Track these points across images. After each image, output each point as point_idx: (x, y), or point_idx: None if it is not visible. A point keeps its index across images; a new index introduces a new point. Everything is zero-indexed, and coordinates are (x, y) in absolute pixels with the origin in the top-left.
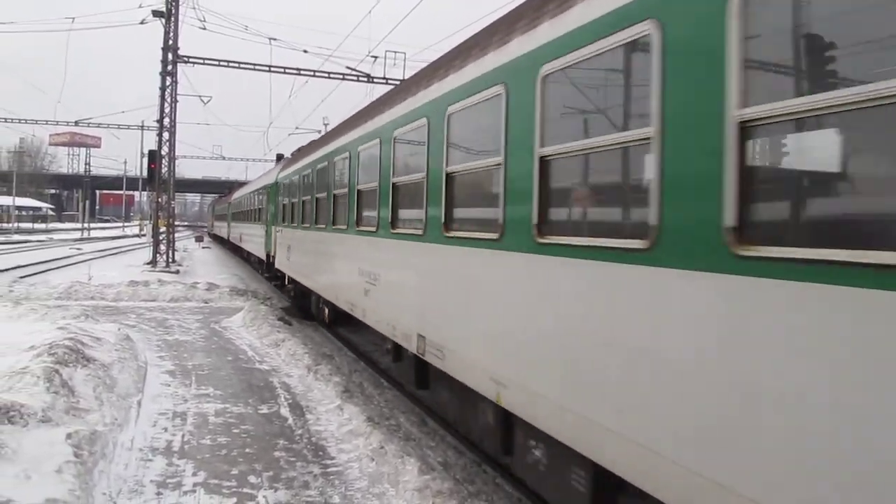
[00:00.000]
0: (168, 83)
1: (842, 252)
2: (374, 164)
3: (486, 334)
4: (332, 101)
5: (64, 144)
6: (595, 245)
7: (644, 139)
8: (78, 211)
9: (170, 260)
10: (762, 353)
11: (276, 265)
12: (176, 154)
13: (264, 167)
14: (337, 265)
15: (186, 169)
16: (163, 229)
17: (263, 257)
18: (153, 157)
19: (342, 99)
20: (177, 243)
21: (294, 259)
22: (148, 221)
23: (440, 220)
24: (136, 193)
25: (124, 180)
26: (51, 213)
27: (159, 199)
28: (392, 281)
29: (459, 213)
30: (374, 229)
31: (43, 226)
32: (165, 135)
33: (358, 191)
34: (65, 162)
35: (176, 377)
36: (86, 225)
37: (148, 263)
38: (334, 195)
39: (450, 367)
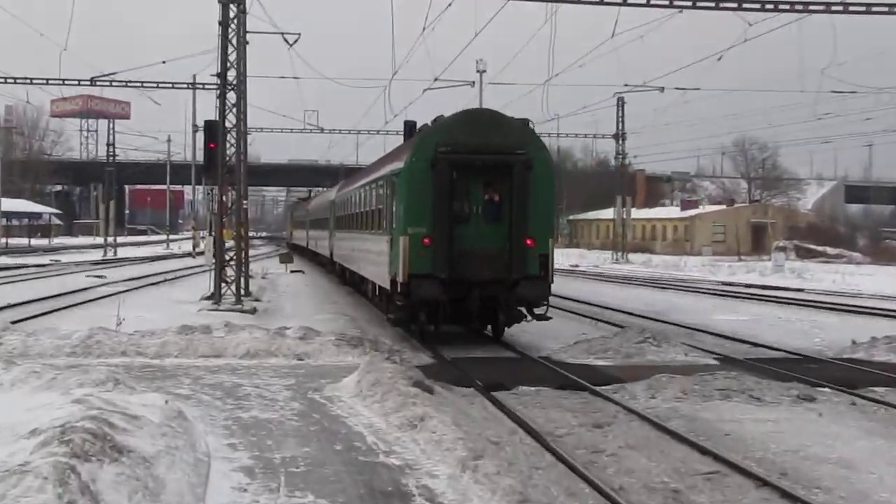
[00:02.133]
0: (233, 14)
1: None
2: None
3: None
4: (494, 31)
5: (73, 115)
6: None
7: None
8: (98, 217)
9: (242, 292)
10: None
11: (413, 293)
12: (248, 126)
13: (384, 144)
14: None
15: (265, 149)
16: (230, 244)
17: (386, 284)
18: (212, 131)
19: (506, 29)
20: (252, 265)
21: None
22: (206, 232)
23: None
24: (187, 189)
25: (168, 169)
26: (57, 221)
27: (223, 197)
28: None
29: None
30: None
31: (45, 241)
32: (231, 96)
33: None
34: (76, 142)
35: (256, 478)
36: (110, 239)
37: (208, 298)
38: None
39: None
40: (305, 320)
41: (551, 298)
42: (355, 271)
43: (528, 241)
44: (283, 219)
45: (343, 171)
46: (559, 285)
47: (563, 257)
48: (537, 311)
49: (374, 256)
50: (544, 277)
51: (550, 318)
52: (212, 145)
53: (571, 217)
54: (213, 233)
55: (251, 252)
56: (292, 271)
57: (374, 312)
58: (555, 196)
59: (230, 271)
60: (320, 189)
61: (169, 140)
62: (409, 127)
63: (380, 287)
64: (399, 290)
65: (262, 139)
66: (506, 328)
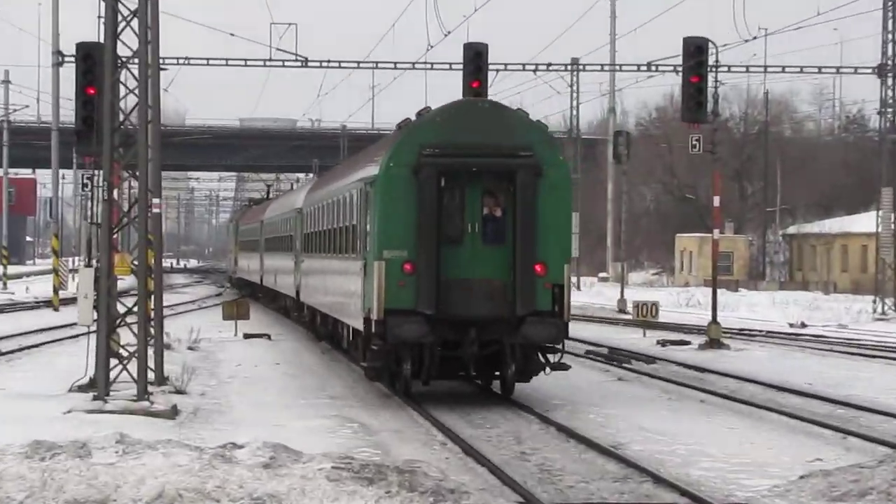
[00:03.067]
0: None
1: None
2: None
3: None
4: None
5: None
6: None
7: (353, 223)
8: None
9: (152, 378)
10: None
11: None
12: (161, 54)
13: (425, 90)
14: None
15: (197, 101)
16: (127, 282)
17: (359, 324)
18: (91, 62)
19: None
20: (171, 323)
21: None
22: (81, 261)
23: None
24: (44, 177)
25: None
26: None
27: (114, 192)
28: None
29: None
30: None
31: None
32: None
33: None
34: None
35: None
36: None
37: (84, 389)
38: None
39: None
40: (272, 429)
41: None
42: (327, 314)
43: (538, 268)
44: (226, 236)
45: (345, 142)
46: (773, 364)
47: (777, 306)
48: (551, 357)
49: (344, 288)
50: (558, 314)
51: (569, 367)
52: (91, 91)
53: (791, 230)
54: (95, 262)
55: (170, 298)
56: (248, 336)
57: (389, 406)
58: (571, 209)
59: (127, 337)
60: (298, 179)
61: (6, 82)
62: (474, 53)
63: (353, 330)
64: (374, 330)
65: (192, 81)
66: (518, 382)
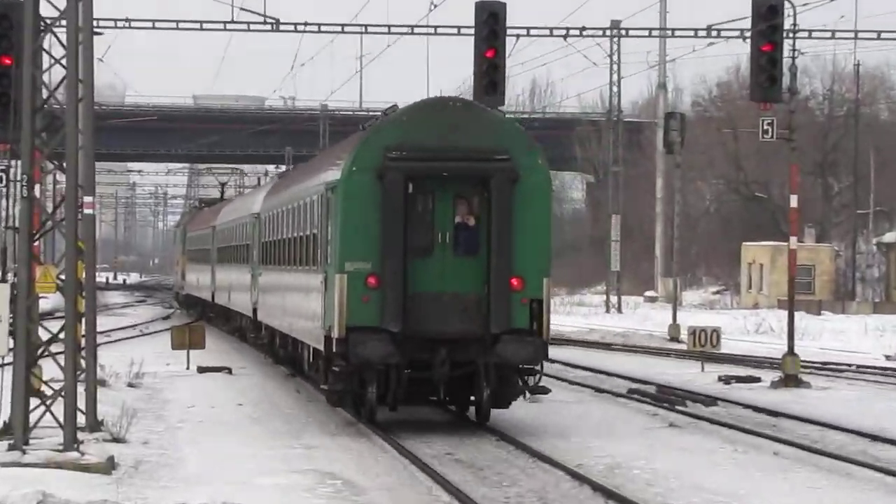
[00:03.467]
0: None
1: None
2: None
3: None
4: None
5: None
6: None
7: (313, 232)
8: None
9: (82, 422)
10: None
11: None
12: (95, 15)
13: (427, 61)
14: None
15: (142, 75)
16: (50, 301)
17: (320, 344)
18: (4, 25)
19: None
20: (106, 354)
21: None
22: None
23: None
24: None
25: None
26: None
27: (35, 188)
28: None
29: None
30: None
31: None
32: None
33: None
34: None
35: None
36: None
37: None
38: None
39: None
40: (233, 488)
41: None
42: (287, 334)
43: (514, 282)
44: (172, 245)
45: (326, 125)
46: (864, 407)
47: (871, 334)
48: (529, 379)
49: (303, 305)
50: (536, 332)
51: (549, 390)
52: (6, 61)
53: (888, 238)
54: (12, 276)
55: (105, 322)
56: (203, 369)
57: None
58: (550, 218)
59: (52, 371)
60: (267, 173)
61: None
62: (488, 15)
63: (314, 351)
64: (335, 350)
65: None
66: (495, 408)
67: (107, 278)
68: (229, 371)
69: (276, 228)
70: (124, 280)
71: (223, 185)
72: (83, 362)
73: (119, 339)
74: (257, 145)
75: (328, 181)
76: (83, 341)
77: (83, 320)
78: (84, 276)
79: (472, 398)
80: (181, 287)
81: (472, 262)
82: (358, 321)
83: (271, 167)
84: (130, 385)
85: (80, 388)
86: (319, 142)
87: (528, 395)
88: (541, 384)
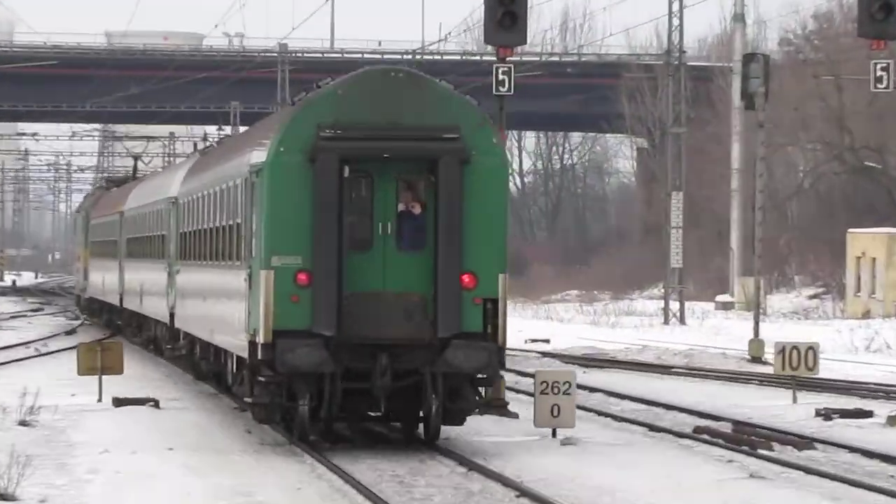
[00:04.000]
0: None
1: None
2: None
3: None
4: None
5: None
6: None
7: (236, 221)
8: None
9: None
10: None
11: None
12: None
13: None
14: None
15: (42, 13)
16: None
17: (244, 351)
18: None
19: None
20: None
21: None
22: None
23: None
24: None
25: None
26: None
27: None
28: None
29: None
30: None
31: None
32: None
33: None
34: None
35: None
36: None
37: None
38: None
39: None
40: None
41: None
42: (209, 342)
43: (465, 279)
44: (72, 234)
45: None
46: None
47: None
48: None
49: (227, 306)
50: (491, 336)
51: (507, 403)
52: None
53: None
54: None
55: None
56: (122, 402)
57: None
58: (507, 205)
59: None
60: (206, 137)
61: None
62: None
63: (237, 360)
64: (260, 357)
65: None
66: (446, 425)
67: None
68: (155, 403)
69: (196, 216)
70: (13, 281)
71: (136, 157)
72: None
73: (6, 362)
74: (193, 99)
75: (252, 163)
76: None
77: None
78: None
79: (421, 413)
80: (83, 289)
81: (418, 257)
82: (286, 324)
83: (212, 129)
84: (23, 423)
85: None
86: (277, 93)
87: (480, 410)
88: (500, 397)
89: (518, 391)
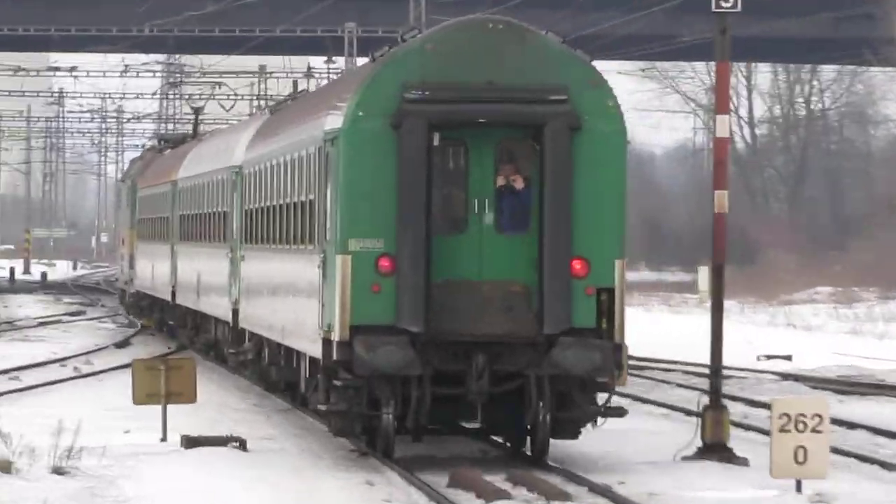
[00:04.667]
0: None
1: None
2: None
3: None
4: None
5: None
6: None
7: (309, 198)
8: None
9: None
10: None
11: None
12: None
13: None
14: None
15: None
16: None
17: (316, 351)
18: None
19: None
20: (17, 402)
21: None
22: None
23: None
24: None
25: None
26: None
27: None
28: None
29: None
30: None
31: None
32: None
33: None
34: None
35: None
36: None
37: None
38: None
39: None
40: None
41: None
42: (279, 342)
43: (576, 266)
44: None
45: None
46: None
47: None
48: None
49: (297, 298)
50: (606, 332)
51: (625, 412)
52: None
53: None
54: None
55: (9, 353)
56: (196, 442)
57: None
58: (625, 180)
59: None
60: (312, 71)
61: None
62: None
63: (311, 361)
64: (336, 357)
65: None
66: (556, 439)
67: (10, 271)
68: (241, 444)
69: (264, 190)
70: (43, 274)
71: (196, 110)
72: None
73: (35, 386)
74: (292, 18)
75: (327, 129)
76: None
77: None
78: None
79: (527, 426)
80: (128, 280)
81: (520, 239)
82: (366, 318)
83: (318, 61)
84: (58, 471)
85: None
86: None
87: (600, 419)
88: (615, 405)
89: (748, 427)
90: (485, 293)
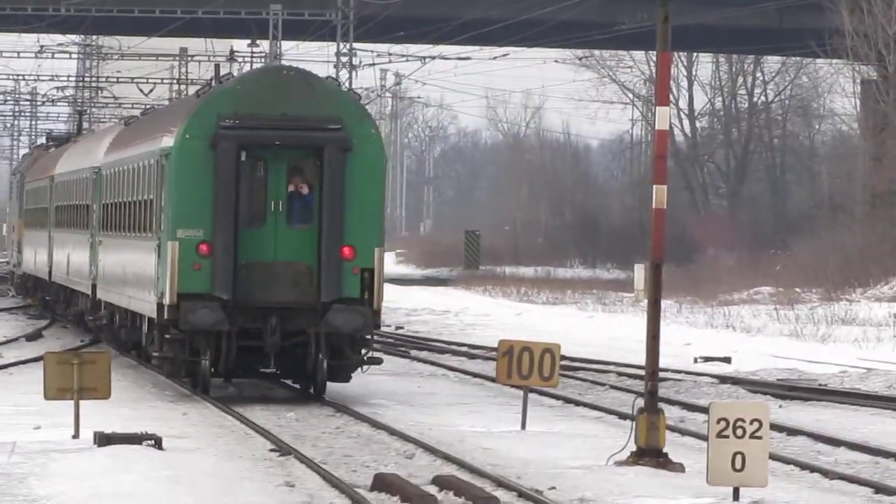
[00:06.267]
0: None
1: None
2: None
3: None
4: None
5: None
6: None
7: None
8: None
9: None
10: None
11: None
12: None
13: None
14: None
15: None
16: None
17: (154, 312)
18: None
19: None
20: None
21: None
22: None
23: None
24: None
25: None
26: None
27: None
28: None
29: None
30: None
31: None
32: None
33: None
34: None
35: None
36: None
37: None
38: None
39: None
40: None
41: None
42: (126, 308)
43: (345, 251)
44: (8, 199)
45: None
46: None
47: None
48: (362, 349)
49: (139, 273)
50: (368, 301)
51: (381, 361)
52: None
53: None
54: None
55: None
56: (108, 439)
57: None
58: (383, 188)
59: None
60: (235, 55)
61: None
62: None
63: (149, 321)
64: (167, 316)
65: None
66: (332, 382)
67: None
68: (156, 442)
69: (116, 189)
70: None
71: (80, 113)
72: None
73: None
74: (215, 1)
75: (162, 147)
76: None
77: None
78: None
79: (309, 372)
80: (17, 263)
81: (305, 232)
82: (189, 288)
83: (241, 44)
84: None
85: None
86: None
87: (364, 367)
88: (374, 355)
89: (684, 432)
90: (278, 271)
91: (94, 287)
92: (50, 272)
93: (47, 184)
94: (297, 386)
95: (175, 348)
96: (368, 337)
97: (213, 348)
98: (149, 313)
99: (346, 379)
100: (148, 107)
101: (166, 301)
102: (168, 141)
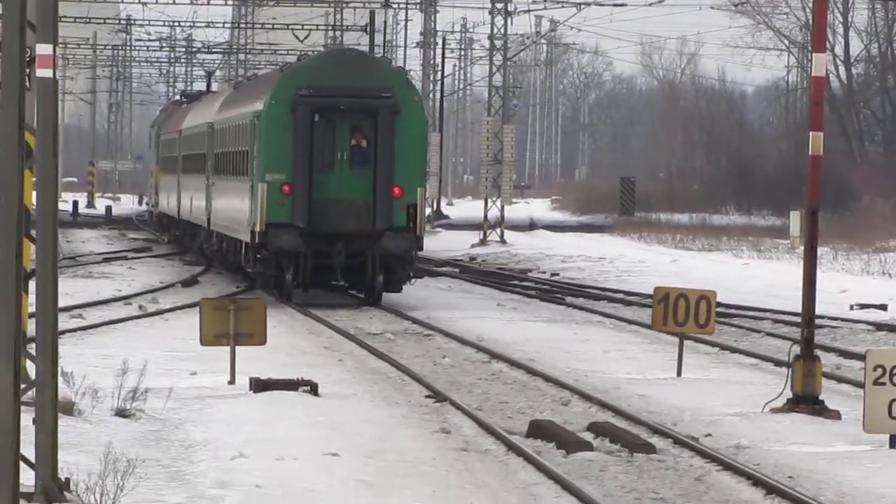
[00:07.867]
0: None
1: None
2: None
3: None
4: None
5: None
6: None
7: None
8: None
9: (28, 484)
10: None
11: None
12: None
13: None
14: None
15: None
16: None
17: (247, 237)
18: None
19: None
20: (83, 341)
21: None
22: None
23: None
24: None
25: None
26: None
27: None
28: None
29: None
30: None
31: None
32: None
33: None
34: None
35: None
36: None
37: None
38: None
39: None
40: None
41: None
42: (230, 236)
43: (395, 190)
44: (147, 150)
45: None
46: None
47: None
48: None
49: (238, 208)
50: (412, 230)
51: (423, 275)
52: None
53: None
54: None
55: (74, 290)
56: (264, 384)
57: None
58: (425, 142)
59: None
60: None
61: None
62: None
63: (245, 245)
64: (258, 241)
65: None
66: (388, 292)
67: (74, 204)
68: (312, 388)
69: (223, 141)
70: (108, 208)
71: (210, 73)
72: (31, 368)
73: (98, 324)
74: None
75: (255, 110)
76: (31, 329)
77: (32, 287)
78: (36, 200)
79: (362, 283)
80: (154, 204)
81: (363, 175)
82: (275, 219)
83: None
84: (122, 413)
85: (26, 419)
86: None
87: (412, 280)
88: (412, 273)
89: (840, 379)
90: (343, 206)
91: (208, 220)
92: (178, 210)
93: (177, 136)
94: (360, 295)
95: (265, 265)
96: (413, 255)
97: (294, 265)
98: (245, 238)
99: (398, 289)
100: (251, 74)
101: (258, 229)
102: (259, 105)
